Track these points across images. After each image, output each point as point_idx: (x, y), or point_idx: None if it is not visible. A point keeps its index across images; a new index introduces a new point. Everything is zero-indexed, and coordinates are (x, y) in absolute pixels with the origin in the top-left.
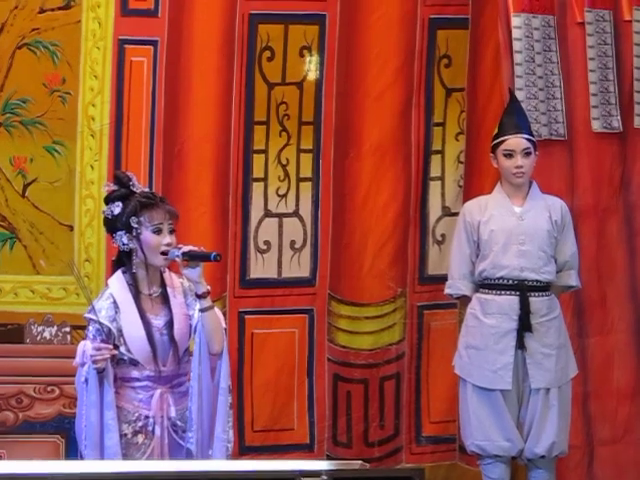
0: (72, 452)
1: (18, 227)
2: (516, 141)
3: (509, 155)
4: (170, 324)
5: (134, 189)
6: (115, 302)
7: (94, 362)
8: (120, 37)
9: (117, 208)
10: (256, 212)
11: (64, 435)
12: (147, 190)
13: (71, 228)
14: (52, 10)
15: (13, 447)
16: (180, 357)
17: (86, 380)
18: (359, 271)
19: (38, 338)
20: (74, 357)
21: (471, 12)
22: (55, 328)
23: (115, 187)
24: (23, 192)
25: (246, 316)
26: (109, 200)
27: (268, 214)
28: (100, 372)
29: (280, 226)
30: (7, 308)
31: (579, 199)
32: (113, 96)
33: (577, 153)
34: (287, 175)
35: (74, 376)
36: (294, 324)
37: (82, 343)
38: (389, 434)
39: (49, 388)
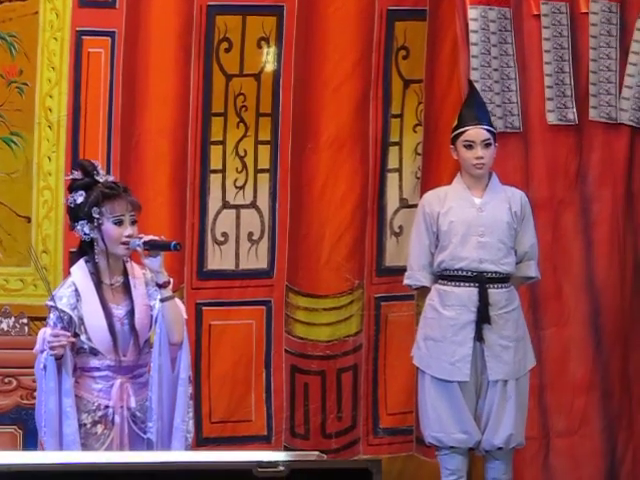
0: (30, 443)
1: None
2: (476, 132)
3: (469, 146)
4: (131, 314)
5: (98, 178)
6: (77, 290)
7: (51, 349)
8: (78, 28)
9: (80, 197)
10: (214, 203)
11: (21, 426)
12: (111, 180)
13: (28, 220)
14: (9, 1)
15: None
16: (141, 347)
17: (44, 367)
18: (316, 263)
19: None
20: (32, 348)
21: (429, 4)
22: (13, 319)
23: (79, 175)
24: None
25: (203, 308)
26: (72, 188)
27: (226, 205)
28: (58, 359)
29: (238, 217)
30: None
31: (534, 191)
32: (71, 87)
33: (532, 145)
34: (245, 167)
35: (32, 367)
36: (252, 316)
37: (42, 330)
38: (346, 426)
39: (6, 379)
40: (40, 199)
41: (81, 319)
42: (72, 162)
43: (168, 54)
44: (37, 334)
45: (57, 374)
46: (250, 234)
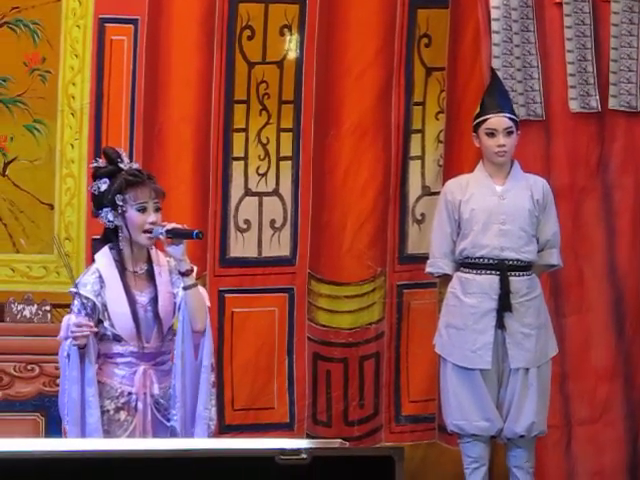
0: (52, 430)
1: None
2: (498, 120)
3: (491, 134)
4: (155, 301)
5: (122, 165)
6: (101, 277)
7: (74, 339)
8: (100, 16)
9: (104, 185)
10: (236, 191)
11: (44, 413)
12: (135, 167)
13: (51, 207)
14: None
15: None
16: (164, 334)
17: (68, 355)
18: (339, 250)
19: (18, 317)
20: (54, 336)
21: None
22: (35, 307)
23: (103, 163)
24: (3, 171)
25: (226, 295)
26: (96, 176)
27: (248, 193)
28: (81, 348)
29: (260, 205)
30: None
31: (556, 179)
32: (93, 75)
33: (554, 133)
34: (267, 154)
35: (54, 354)
36: (274, 303)
37: (67, 317)
38: (369, 413)
39: (29, 367)
40: (63, 186)
41: (105, 305)
42: (95, 149)
43: (191, 42)
44: (60, 321)
45: (80, 363)
46: (272, 221)
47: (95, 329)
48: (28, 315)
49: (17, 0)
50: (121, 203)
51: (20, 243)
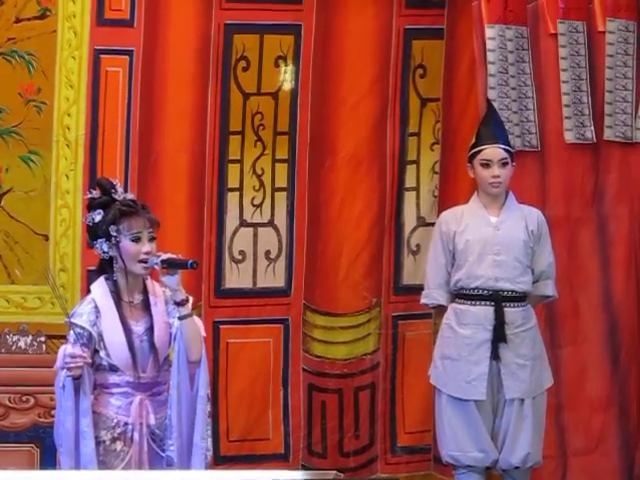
0: (47, 461)
1: None
2: (493, 151)
3: (486, 165)
4: (150, 331)
5: (116, 196)
6: (97, 307)
7: (68, 370)
8: (96, 47)
9: (98, 216)
10: (231, 222)
11: (39, 444)
12: (129, 197)
13: (46, 238)
14: (28, 20)
15: None
16: (160, 364)
17: (63, 386)
18: (334, 281)
19: (13, 348)
20: (49, 366)
21: (446, 22)
22: (30, 338)
23: (97, 194)
24: None
25: (221, 326)
26: (91, 207)
27: (243, 224)
28: (76, 379)
29: (255, 236)
30: None
31: (551, 210)
32: (88, 106)
33: (549, 164)
34: (262, 185)
35: (49, 385)
36: (269, 334)
37: (63, 347)
38: (364, 444)
39: (24, 398)
40: (58, 217)
41: (100, 335)
42: (90, 180)
43: (186, 73)
44: (55, 352)
45: (74, 394)
46: (267, 252)
47: (89, 360)
48: (23, 346)
49: (12, 31)
50: (115, 234)
51: (15, 274)
